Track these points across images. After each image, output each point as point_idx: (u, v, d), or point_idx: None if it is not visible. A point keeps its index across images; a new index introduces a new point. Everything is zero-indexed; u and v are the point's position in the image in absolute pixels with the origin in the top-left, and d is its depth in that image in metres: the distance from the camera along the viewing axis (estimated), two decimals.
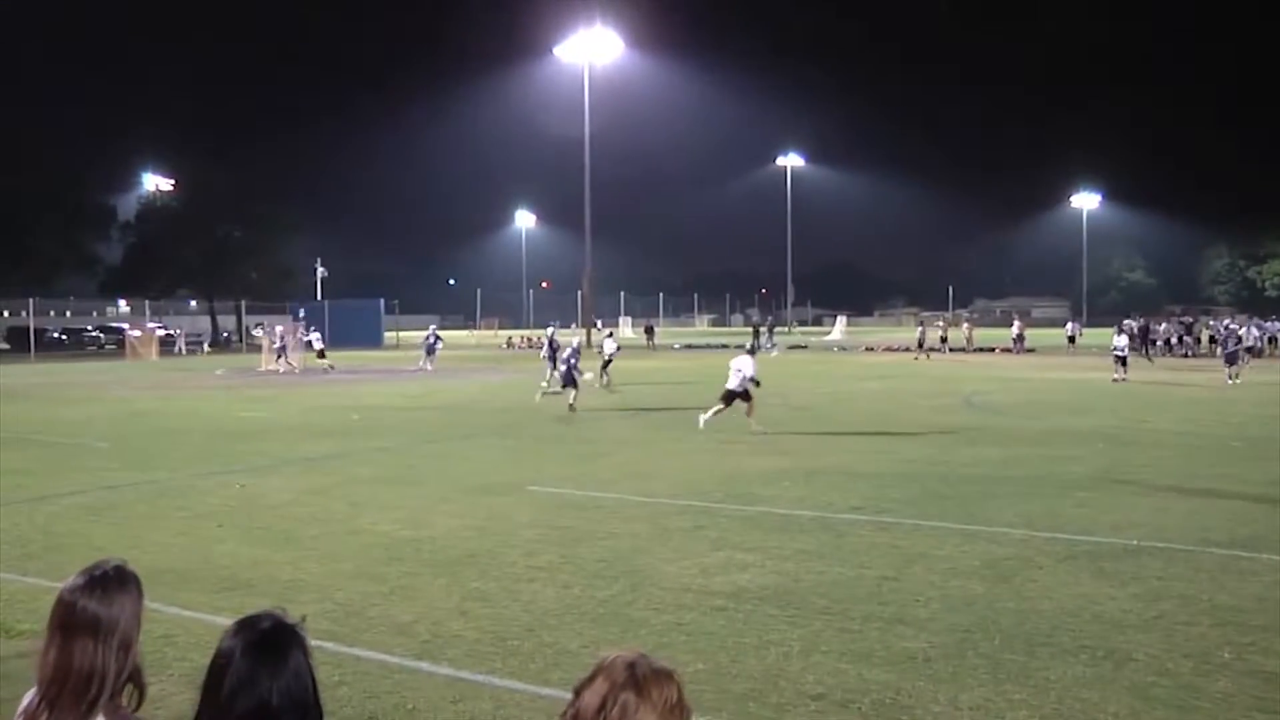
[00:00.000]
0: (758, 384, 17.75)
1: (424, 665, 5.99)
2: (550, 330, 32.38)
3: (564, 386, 22.23)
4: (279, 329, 42.32)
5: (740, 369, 17.40)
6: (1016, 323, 52.31)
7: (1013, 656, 6.03)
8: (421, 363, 38.25)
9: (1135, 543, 8.88)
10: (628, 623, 6.80)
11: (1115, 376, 28.76)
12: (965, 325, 57.72)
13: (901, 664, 5.93)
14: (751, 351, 18.96)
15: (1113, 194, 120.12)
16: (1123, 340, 30.30)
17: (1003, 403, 22.98)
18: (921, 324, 51.35)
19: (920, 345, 46.00)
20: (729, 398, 17.53)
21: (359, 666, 5.93)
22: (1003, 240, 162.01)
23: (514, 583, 7.79)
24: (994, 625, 6.61)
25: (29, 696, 2.63)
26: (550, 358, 29.55)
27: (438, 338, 36.71)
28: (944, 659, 6.00)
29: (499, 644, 6.34)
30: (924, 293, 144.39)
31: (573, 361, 22.23)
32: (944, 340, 49.83)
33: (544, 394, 24.96)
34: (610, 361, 29.01)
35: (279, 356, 39.02)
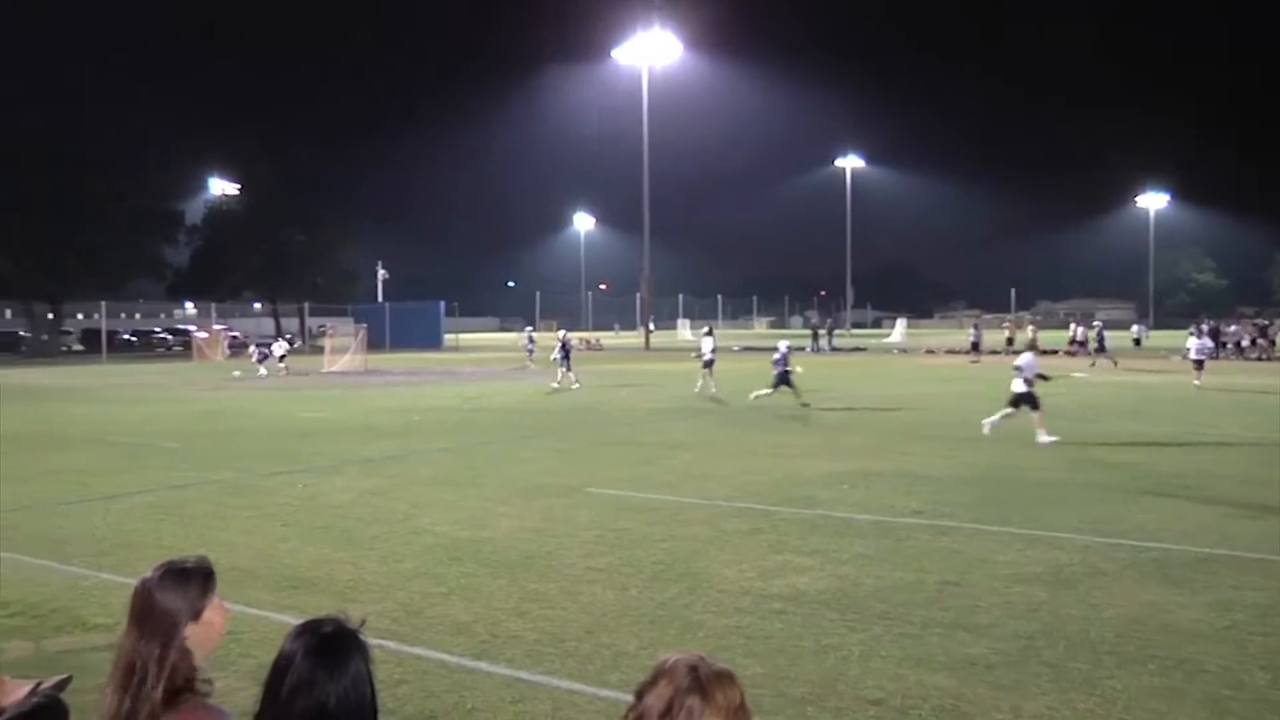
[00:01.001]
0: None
1: (483, 665, 6.03)
2: (562, 332, 32.58)
3: (775, 388, 22.48)
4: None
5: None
6: (1074, 325, 51.44)
7: (1077, 665, 5.92)
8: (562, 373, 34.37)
9: (1205, 550, 8.69)
10: (685, 625, 6.79)
11: (1196, 381, 27.99)
12: (1030, 327, 56.69)
13: (962, 670, 5.85)
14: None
15: (1181, 193, 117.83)
16: (1200, 343, 29.24)
17: (1066, 406, 22.56)
18: (975, 326, 50.30)
19: (975, 348, 45.24)
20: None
21: (419, 665, 5.99)
22: (1066, 241, 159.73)
23: (572, 584, 7.81)
24: (1057, 632, 6.50)
25: (109, 688, 2.71)
26: (563, 359, 29.97)
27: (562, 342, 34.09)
28: (1006, 666, 5.91)
29: (557, 645, 6.36)
30: (985, 295, 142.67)
31: (782, 364, 22.62)
32: (1010, 342, 49.03)
33: (553, 391, 25.49)
34: (712, 362, 27.51)
35: (264, 359, 39.97)
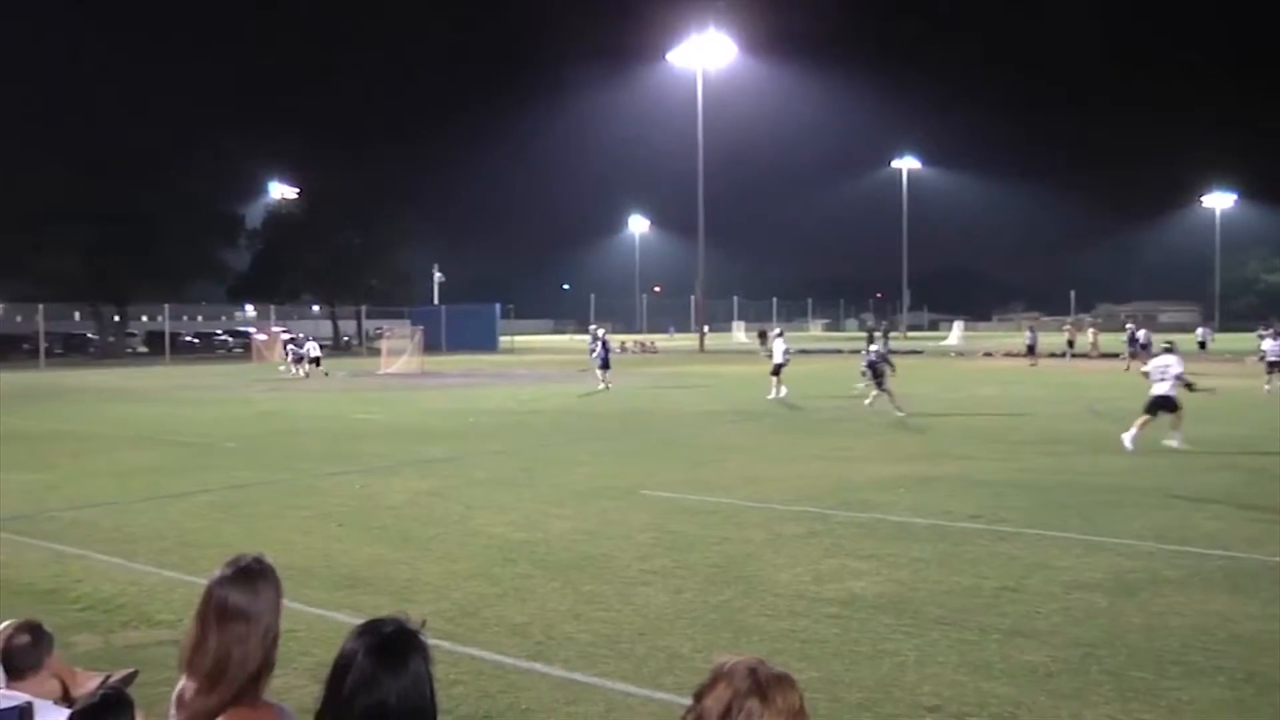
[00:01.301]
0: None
1: (537, 666, 6.05)
2: (600, 331, 32.56)
3: (878, 391, 22.00)
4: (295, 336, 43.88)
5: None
6: (1130, 327, 50.55)
7: (1140, 674, 5.79)
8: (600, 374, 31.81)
9: (1276, 559, 8.48)
10: (740, 628, 6.76)
11: (1267, 386, 27.29)
12: (1090, 330, 55.77)
13: (1021, 677, 5.77)
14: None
15: (1249, 191, 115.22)
16: (1276, 344, 28.12)
17: (1128, 410, 22.14)
18: (1031, 329, 49.51)
19: (1030, 351, 44.59)
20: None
21: (474, 666, 6.03)
22: (1128, 242, 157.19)
23: (627, 586, 7.82)
24: (1119, 640, 6.37)
25: (181, 682, 2.77)
26: (603, 361, 29.97)
27: (602, 341, 32.22)
28: (1066, 674, 5.81)
29: (611, 646, 6.37)
30: (1045, 297, 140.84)
31: (874, 362, 22.32)
32: (1071, 345, 48.31)
33: (591, 394, 25.48)
34: (784, 366, 26.49)
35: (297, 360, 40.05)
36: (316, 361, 39.74)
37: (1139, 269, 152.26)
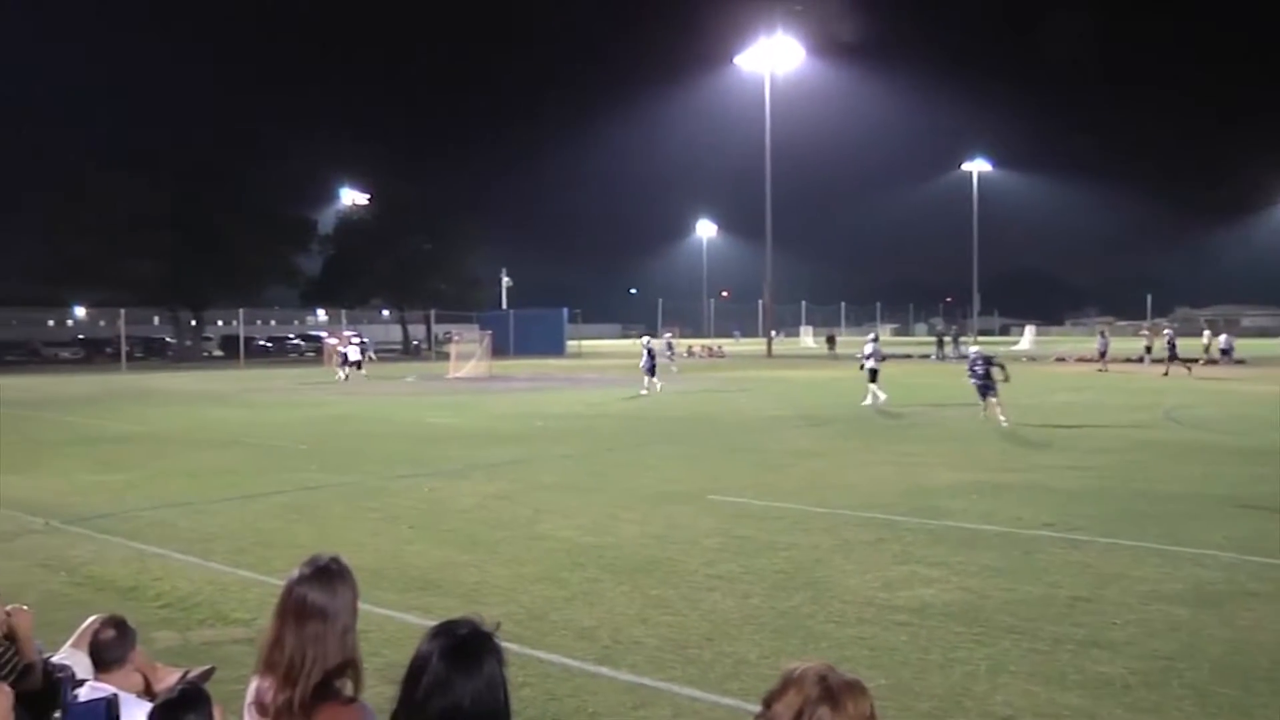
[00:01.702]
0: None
1: (604, 670, 6.07)
2: (647, 339, 32.61)
3: (984, 398, 20.55)
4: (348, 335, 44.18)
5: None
6: (1207, 332, 49.31)
7: (1225, 690, 5.62)
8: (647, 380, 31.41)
9: None
10: (808, 635, 6.71)
11: None
12: (1167, 334, 54.43)
13: (1097, 689, 5.64)
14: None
15: None
16: None
17: (1207, 417, 21.61)
18: (1102, 334, 48.41)
19: (1101, 356, 43.64)
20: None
21: (541, 669, 6.06)
22: (1206, 245, 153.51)
23: (694, 591, 7.81)
24: (1201, 654, 6.20)
25: (255, 680, 2.83)
26: (649, 368, 30.00)
27: (647, 350, 31.70)
28: (1144, 687, 5.68)
29: (678, 651, 6.37)
30: (1120, 301, 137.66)
31: (980, 372, 20.67)
32: (1148, 350, 47.24)
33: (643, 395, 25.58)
34: (876, 371, 25.49)
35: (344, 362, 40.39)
36: (358, 365, 40.22)
37: (1218, 272, 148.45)
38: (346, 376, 39.43)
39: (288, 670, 2.68)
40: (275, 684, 2.70)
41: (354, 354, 41.08)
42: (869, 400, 24.90)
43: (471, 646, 2.25)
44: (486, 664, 2.24)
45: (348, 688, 2.74)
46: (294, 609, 2.74)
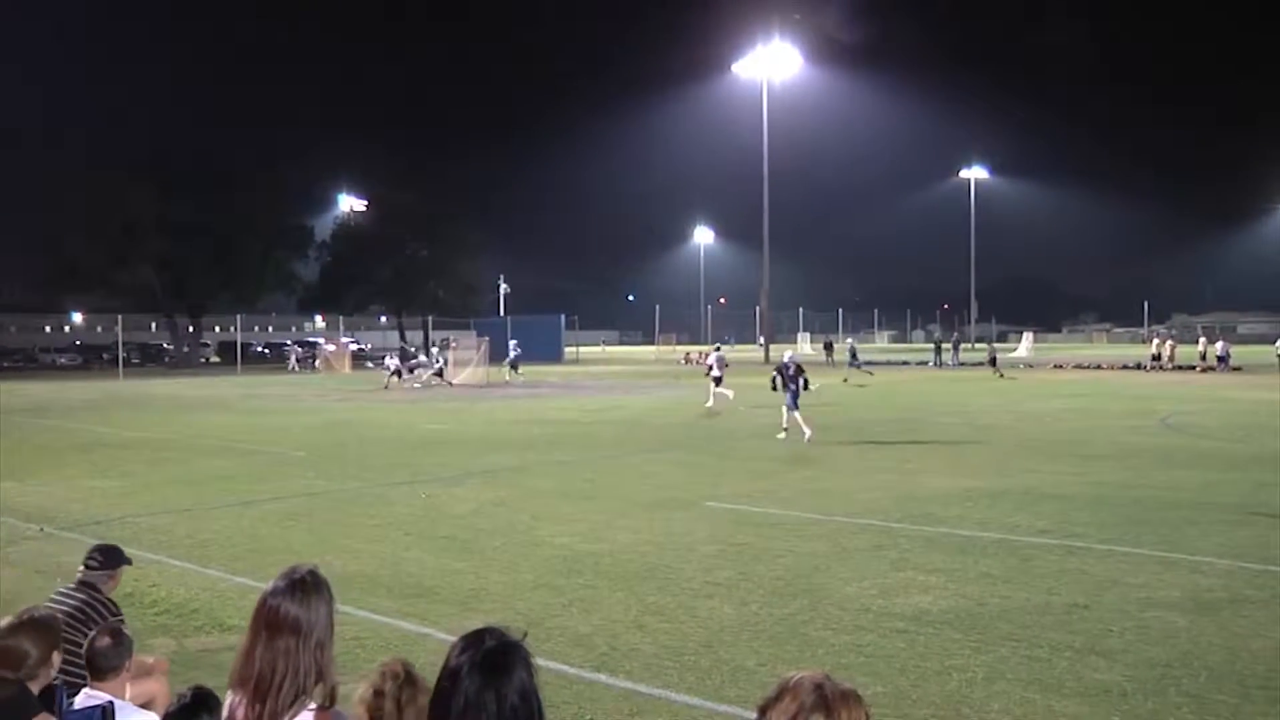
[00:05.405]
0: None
1: (601, 677, 6.06)
2: (716, 352, 32.34)
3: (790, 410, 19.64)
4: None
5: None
6: (1203, 339, 49.33)
7: (1223, 698, 5.62)
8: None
9: None
10: (805, 642, 6.71)
11: None
12: (1169, 342, 54.53)
13: (1094, 697, 5.64)
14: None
15: None
16: None
17: (1204, 424, 21.62)
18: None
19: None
20: None
21: (539, 677, 6.03)
22: (1203, 252, 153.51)
23: (691, 598, 7.80)
24: (1198, 662, 6.20)
25: (230, 696, 2.78)
26: (718, 379, 29.65)
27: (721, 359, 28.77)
28: (1141, 694, 5.67)
29: (676, 658, 6.36)
30: (1116, 308, 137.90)
31: (794, 388, 19.64)
32: (1157, 357, 47.38)
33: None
34: (719, 378, 26.64)
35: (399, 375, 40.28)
36: (398, 374, 40.11)
37: (1215, 280, 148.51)
38: (399, 383, 39.33)
39: (257, 684, 2.62)
40: (245, 699, 2.65)
41: (393, 364, 41.18)
42: (711, 402, 26.26)
43: (500, 658, 2.19)
44: (517, 675, 2.18)
45: (324, 701, 2.69)
46: (266, 621, 2.68)
